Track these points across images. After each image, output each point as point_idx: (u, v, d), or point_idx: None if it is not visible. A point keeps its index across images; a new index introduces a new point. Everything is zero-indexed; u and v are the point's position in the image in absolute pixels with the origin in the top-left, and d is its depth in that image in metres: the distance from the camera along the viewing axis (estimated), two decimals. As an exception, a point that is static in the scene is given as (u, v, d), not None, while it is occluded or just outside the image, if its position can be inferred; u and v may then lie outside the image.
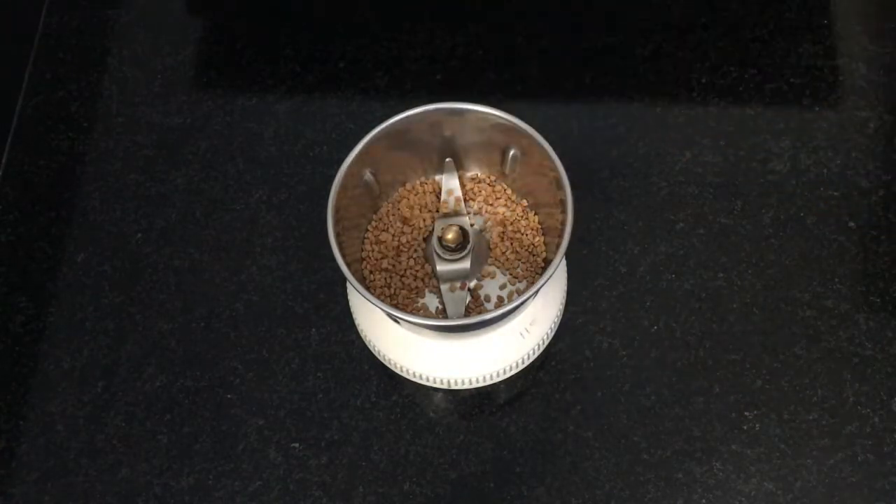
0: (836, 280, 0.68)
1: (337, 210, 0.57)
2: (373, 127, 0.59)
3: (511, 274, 0.62)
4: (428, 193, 0.64)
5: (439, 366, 0.61)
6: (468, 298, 0.61)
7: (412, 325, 0.59)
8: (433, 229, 0.63)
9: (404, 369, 0.62)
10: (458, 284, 0.61)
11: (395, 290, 0.61)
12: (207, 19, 0.79)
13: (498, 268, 0.62)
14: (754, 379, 0.65)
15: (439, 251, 0.60)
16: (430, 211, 0.64)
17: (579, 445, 0.64)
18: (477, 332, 0.60)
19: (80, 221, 0.72)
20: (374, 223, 0.64)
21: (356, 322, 0.64)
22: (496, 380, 0.63)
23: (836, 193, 0.71)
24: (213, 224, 0.71)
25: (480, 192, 0.64)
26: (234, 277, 0.69)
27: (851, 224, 0.69)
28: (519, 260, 0.62)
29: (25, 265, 0.70)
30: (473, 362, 0.62)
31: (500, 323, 0.60)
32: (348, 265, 0.56)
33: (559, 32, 0.77)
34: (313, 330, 0.67)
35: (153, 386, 0.66)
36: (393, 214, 0.64)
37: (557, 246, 0.57)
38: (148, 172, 0.73)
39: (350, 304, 0.65)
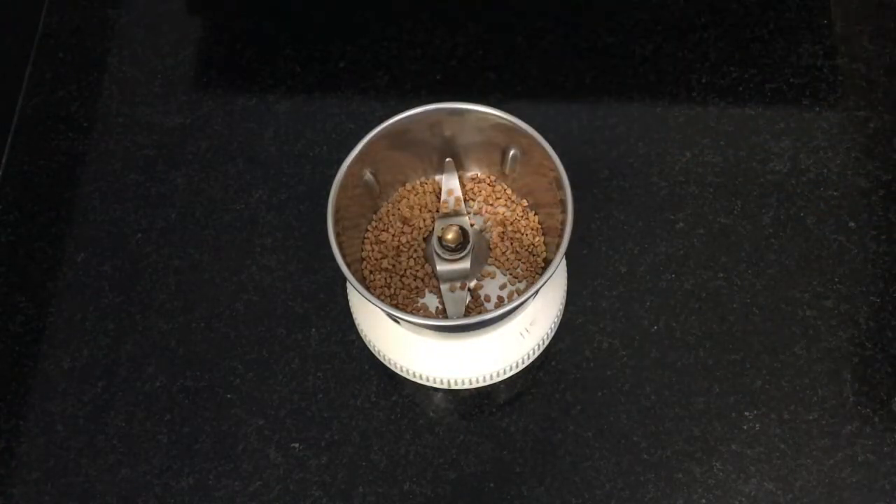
0: (836, 280, 0.68)
1: (337, 210, 0.57)
2: (373, 127, 0.59)
3: (511, 274, 0.62)
4: (428, 193, 0.64)
5: (439, 366, 0.61)
6: (468, 298, 0.61)
7: (412, 325, 0.59)
8: (433, 229, 0.63)
9: (404, 369, 0.62)
10: (458, 284, 0.61)
11: (395, 290, 0.61)
12: (207, 19, 0.79)
13: (498, 268, 0.62)
14: (754, 379, 0.65)
15: (439, 251, 0.60)
16: (430, 211, 0.64)
17: (579, 445, 0.64)
18: (477, 332, 0.60)
19: (80, 221, 0.71)
20: (374, 223, 0.64)
21: (356, 322, 0.64)
22: (496, 380, 0.63)
23: (836, 193, 0.71)
24: (213, 224, 0.71)
25: (480, 192, 0.64)
26: (234, 277, 0.69)
27: (851, 224, 0.69)
28: (519, 260, 0.62)
29: (25, 265, 0.70)
30: (473, 362, 0.62)
31: (500, 323, 0.60)
32: (348, 265, 0.56)
33: (559, 32, 0.77)
34: (313, 330, 0.67)
35: (153, 386, 0.66)
36: (393, 214, 0.64)
37: (557, 246, 0.57)
38: (148, 172, 0.73)
39: (350, 304, 0.65)
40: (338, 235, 0.57)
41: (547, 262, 0.62)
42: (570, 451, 0.64)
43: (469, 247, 0.60)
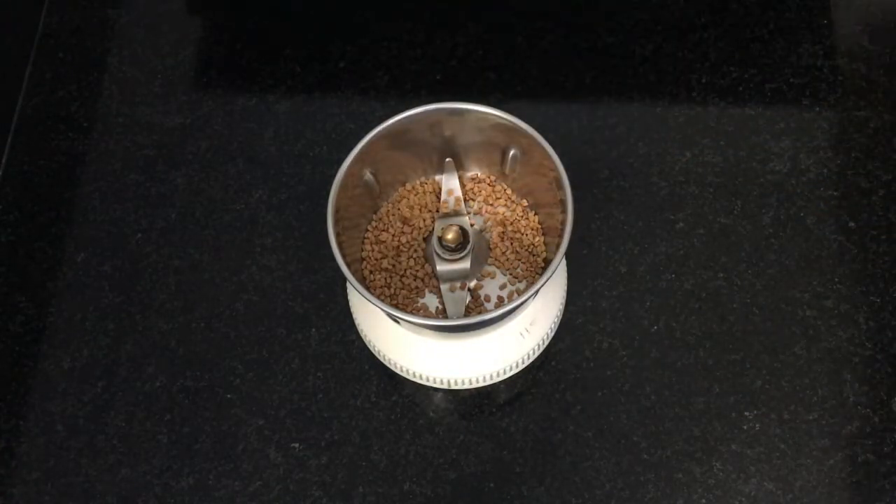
0: (836, 280, 0.68)
1: (337, 210, 0.57)
2: (373, 127, 0.59)
3: (511, 274, 0.62)
4: (428, 193, 0.64)
5: (439, 366, 0.61)
6: (468, 298, 0.61)
7: (412, 325, 0.59)
8: (433, 229, 0.63)
9: (404, 369, 0.62)
10: (458, 284, 0.61)
11: (395, 290, 0.61)
12: (207, 19, 0.79)
13: (498, 268, 0.62)
14: (754, 379, 0.65)
15: (439, 251, 0.60)
16: (430, 211, 0.64)
17: (579, 445, 0.64)
18: (477, 332, 0.60)
19: (80, 221, 0.72)
20: (374, 223, 0.64)
21: (356, 322, 0.64)
22: (496, 380, 0.63)
23: (836, 193, 0.71)
24: (213, 224, 0.71)
25: (480, 192, 0.64)
26: (234, 277, 0.69)
27: (851, 224, 0.69)
28: (519, 260, 0.62)
29: (25, 265, 0.70)
30: (473, 362, 0.62)
31: (500, 323, 0.60)
32: (348, 265, 0.56)
33: (559, 32, 0.77)
34: (313, 330, 0.67)
35: (153, 386, 0.66)
36: (393, 214, 0.64)
37: (557, 246, 0.57)
38: (148, 172, 0.73)
39: (350, 304, 0.65)
40: (338, 235, 0.57)
41: (547, 262, 0.62)
42: (570, 451, 0.64)
43: (469, 247, 0.60)
